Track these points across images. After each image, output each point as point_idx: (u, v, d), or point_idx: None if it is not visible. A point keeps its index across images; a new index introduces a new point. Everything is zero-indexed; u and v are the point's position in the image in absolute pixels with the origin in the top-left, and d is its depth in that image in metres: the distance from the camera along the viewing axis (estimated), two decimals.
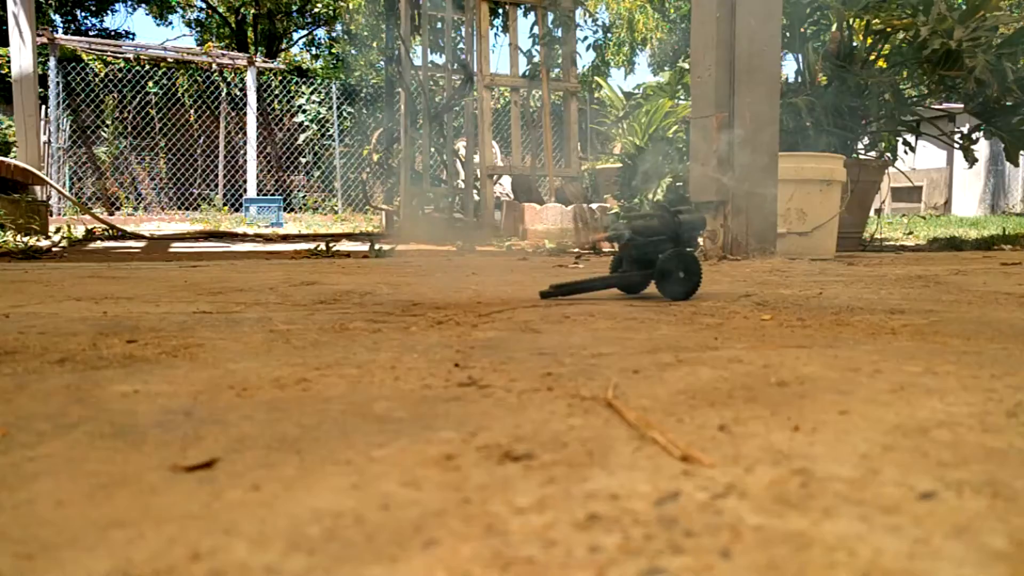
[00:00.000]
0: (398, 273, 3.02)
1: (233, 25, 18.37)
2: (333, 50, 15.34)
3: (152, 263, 3.63)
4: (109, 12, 18.47)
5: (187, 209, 11.45)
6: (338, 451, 0.67)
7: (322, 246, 4.70)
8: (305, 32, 19.27)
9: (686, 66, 6.84)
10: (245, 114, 11.93)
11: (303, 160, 12.57)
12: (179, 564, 0.45)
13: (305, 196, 12.53)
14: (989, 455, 0.65)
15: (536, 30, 6.59)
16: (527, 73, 6.52)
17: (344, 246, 5.23)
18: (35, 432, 0.73)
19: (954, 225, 8.96)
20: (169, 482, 0.60)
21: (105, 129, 11.59)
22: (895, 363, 1.06)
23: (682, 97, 7.15)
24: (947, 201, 15.18)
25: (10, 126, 9.47)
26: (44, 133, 9.56)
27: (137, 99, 11.70)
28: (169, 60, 11.96)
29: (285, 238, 6.67)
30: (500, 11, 7.65)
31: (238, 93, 12.08)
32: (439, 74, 8.10)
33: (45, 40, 10.41)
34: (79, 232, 5.81)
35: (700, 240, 2.04)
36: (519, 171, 6.57)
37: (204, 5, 18.77)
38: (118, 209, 11.23)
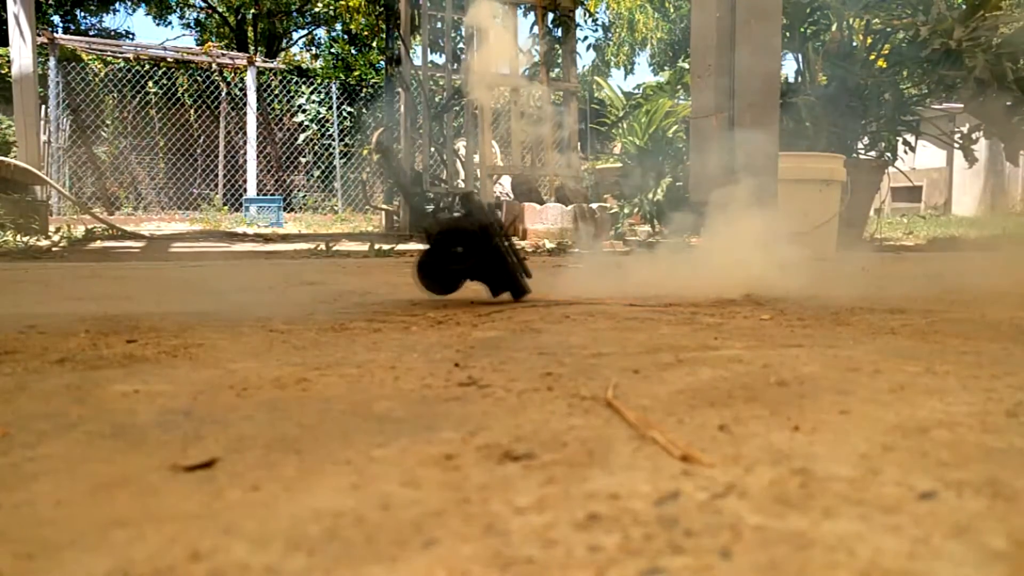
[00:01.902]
0: (398, 273, 3.02)
1: (233, 25, 18.37)
2: (333, 49, 15.33)
3: (152, 263, 3.63)
4: (109, 12, 18.47)
5: (187, 209, 11.45)
6: (338, 451, 0.67)
7: (322, 246, 4.70)
8: (305, 32, 19.28)
9: (686, 66, 6.84)
10: (245, 114, 11.93)
11: (303, 160, 12.58)
12: (179, 564, 0.45)
13: (305, 196, 12.53)
14: (989, 455, 0.65)
15: (536, 30, 6.59)
16: (527, 73, 6.52)
17: (344, 246, 5.23)
18: (35, 432, 0.73)
19: (954, 225, 8.96)
20: (169, 482, 0.60)
21: (105, 129, 11.58)
22: (895, 363, 1.06)
23: (682, 97, 7.15)
24: (947, 201, 15.17)
25: (10, 126, 9.46)
26: (44, 133, 9.56)
27: (137, 99, 11.70)
28: (169, 60, 11.96)
29: (285, 238, 6.66)
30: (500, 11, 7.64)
31: (238, 93, 12.08)
32: (439, 74, 8.10)
33: (45, 40, 10.40)
34: (79, 232, 5.81)
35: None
36: (519, 171, 6.57)
37: (204, 4, 18.77)
38: (118, 209, 11.21)
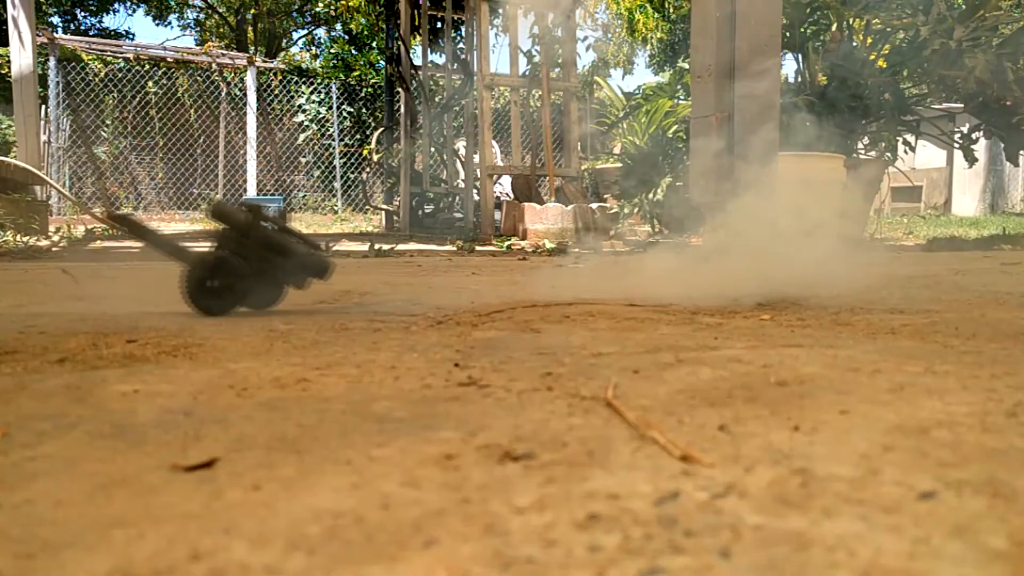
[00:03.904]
0: (398, 273, 3.02)
1: (233, 25, 18.37)
2: (333, 49, 15.33)
3: (152, 263, 3.63)
4: (109, 12, 18.47)
5: (187, 209, 11.46)
6: (338, 451, 0.67)
7: (322, 246, 4.70)
8: (305, 32, 19.28)
9: (686, 66, 6.84)
10: (245, 114, 11.93)
11: (303, 160, 12.58)
12: (179, 564, 0.45)
13: (305, 196, 12.53)
14: (989, 455, 0.65)
15: (536, 30, 6.59)
16: (527, 73, 6.52)
17: (344, 246, 5.23)
18: (35, 432, 0.73)
19: (954, 225, 8.96)
20: (169, 482, 0.60)
21: (105, 129, 11.59)
22: (895, 363, 1.05)
23: (682, 97, 7.15)
24: (947, 201, 15.17)
25: (10, 126, 9.46)
26: (44, 133, 9.56)
27: (137, 99, 11.70)
28: (169, 60, 11.96)
29: None
30: (500, 11, 7.65)
31: (238, 93, 12.08)
32: (439, 74, 8.10)
33: (45, 40, 10.40)
34: (79, 232, 5.81)
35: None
36: (519, 171, 6.57)
37: (203, 4, 18.77)
38: (118, 209, 11.21)
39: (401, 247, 5.05)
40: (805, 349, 1.18)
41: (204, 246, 1.76)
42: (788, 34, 5.37)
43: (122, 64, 11.61)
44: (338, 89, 12.50)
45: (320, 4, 16.01)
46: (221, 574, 0.44)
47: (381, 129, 8.80)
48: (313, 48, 18.57)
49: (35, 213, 5.56)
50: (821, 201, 4.20)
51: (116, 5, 18.33)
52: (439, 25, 7.82)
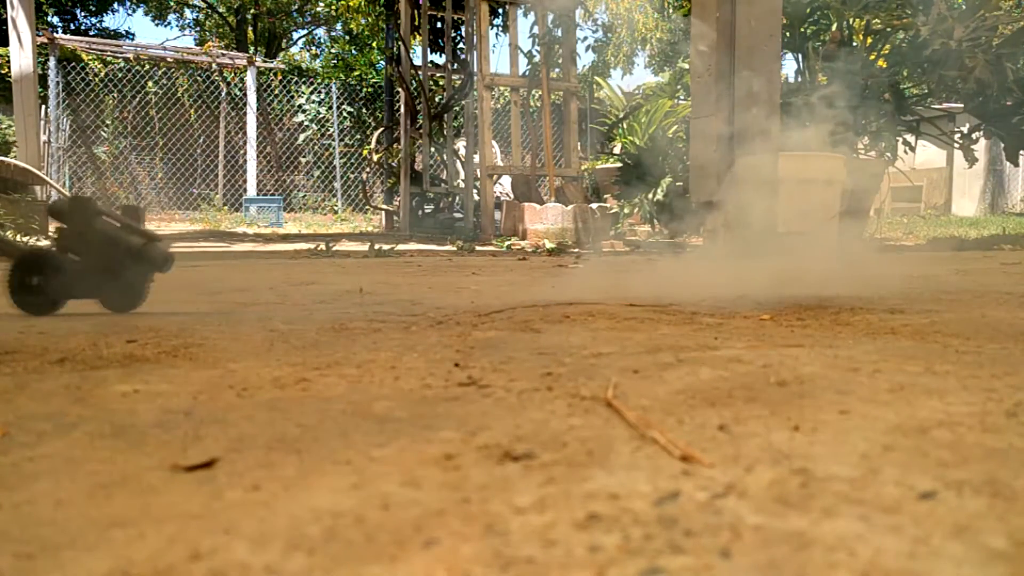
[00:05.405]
0: (398, 273, 3.03)
1: (233, 25, 18.37)
2: (333, 49, 15.35)
3: None
4: (109, 12, 18.47)
5: (187, 209, 11.46)
6: (338, 451, 0.67)
7: (322, 246, 4.70)
8: (305, 32, 19.28)
9: (686, 66, 6.84)
10: (245, 114, 11.93)
11: (303, 160, 12.58)
12: (179, 564, 0.45)
13: (305, 196, 12.54)
14: (989, 455, 0.65)
15: (536, 30, 6.59)
16: (527, 73, 6.52)
17: (344, 246, 5.23)
18: (35, 432, 0.73)
19: (954, 225, 8.96)
20: (169, 482, 0.60)
21: (105, 129, 11.59)
22: (895, 363, 1.05)
23: (682, 97, 7.15)
24: (947, 201, 15.16)
25: (10, 126, 9.47)
26: (44, 133, 9.56)
27: (137, 99, 11.70)
28: (169, 60, 11.97)
29: (285, 238, 6.67)
30: (500, 11, 7.64)
31: (238, 93, 12.08)
32: (439, 74, 8.10)
33: (45, 40, 10.41)
34: None
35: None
36: (519, 171, 6.57)
37: (203, 4, 18.77)
38: (118, 210, 11.20)
39: (401, 247, 5.05)
40: (805, 349, 1.18)
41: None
42: (788, 34, 5.36)
43: (122, 64, 11.61)
44: (338, 89, 12.50)
45: (320, 4, 16.01)
46: (221, 574, 0.44)
47: (381, 129, 8.80)
48: (313, 48, 18.58)
49: (35, 213, 5.57)
50: (821, 201, 4.20)
51: (116, 5, 18.34)
52: (439, 25, 7.82)
